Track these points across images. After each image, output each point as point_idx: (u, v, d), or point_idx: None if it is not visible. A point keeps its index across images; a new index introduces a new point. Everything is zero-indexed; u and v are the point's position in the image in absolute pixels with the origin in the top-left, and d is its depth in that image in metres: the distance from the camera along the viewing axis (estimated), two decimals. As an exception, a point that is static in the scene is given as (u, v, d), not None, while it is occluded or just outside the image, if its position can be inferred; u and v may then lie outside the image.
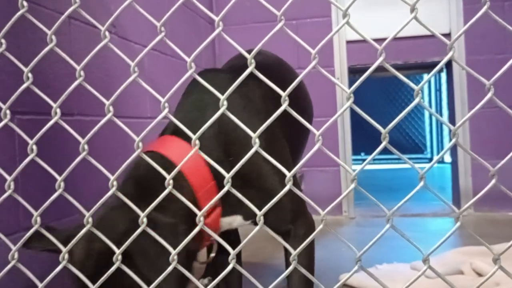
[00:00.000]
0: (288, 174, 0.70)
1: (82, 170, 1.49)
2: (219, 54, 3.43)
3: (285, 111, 0.70)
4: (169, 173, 0.75)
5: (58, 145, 1.53)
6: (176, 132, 1.12)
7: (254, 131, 0.69)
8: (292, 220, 1.21)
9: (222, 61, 3.42)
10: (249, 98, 1.24)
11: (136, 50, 2.15)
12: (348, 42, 3.30)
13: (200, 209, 0.76)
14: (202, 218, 0.73)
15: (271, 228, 0.79)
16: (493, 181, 0.64)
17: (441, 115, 6.77)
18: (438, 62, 3.35)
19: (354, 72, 3.44)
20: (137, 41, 2.16)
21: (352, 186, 0.67)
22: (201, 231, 0.75)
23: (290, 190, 1.02)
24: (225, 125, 1.13)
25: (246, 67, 0.69)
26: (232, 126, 1.13)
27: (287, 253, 1.23)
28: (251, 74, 0.70)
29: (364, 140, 5.76)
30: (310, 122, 1.66)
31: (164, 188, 0.74)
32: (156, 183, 0.91)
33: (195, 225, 0.73)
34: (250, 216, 1.20)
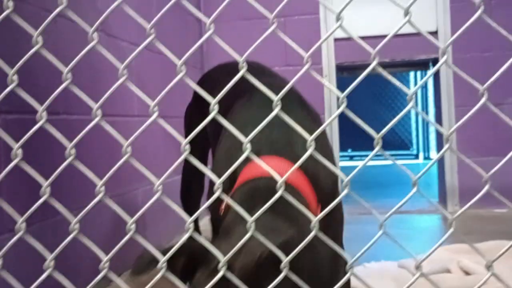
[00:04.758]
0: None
1: (70, 171, 1.46)
2: (207, 52, 3.40)
3: None
4: (298, 197, 0.83)
5: (44, 145, 1.50)
6: (274, 151, 1.09)
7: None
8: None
9: (209, 59, 3.39)
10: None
11: (122, 47, 2.12)
12: (336, 39, 3.30)
13: None
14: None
15: None
16: (487, 186, 0.64)
17: (427, 112, 6.80)
18: (425, 60, 3.36)
19: (341, 70, 3.44)
20: (123, 38, 2.13)
21: (345, 191, 0.66)
22: None
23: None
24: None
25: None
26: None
27: None
28: None
29: (351, 136, 5.78)
30: None
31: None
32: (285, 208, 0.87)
33: None
34: None
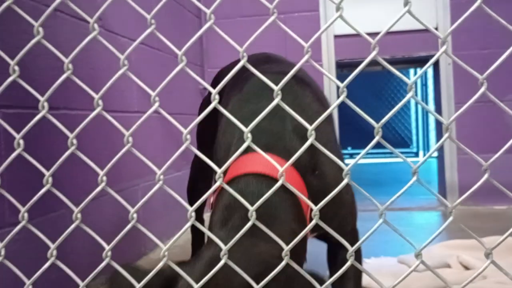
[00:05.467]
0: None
1: (68, 165, 1.46)
2: (206, 48, 3.40)
3: None
4: (286, 195, 0.83)
5: (44, 139, 1.51)
6: (263, 145, 0.96)
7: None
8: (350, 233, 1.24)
9: (209, 54, 3.40)
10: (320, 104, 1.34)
11: (122, 43, 2.12)
12: (336, 36, 3.30)
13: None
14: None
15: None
16: (486, 175, 0.64)
17: (426, 111, 6.79)
18: (424, 57, 3.36)
19: (341, 67, 3.43)
20: (123, 34, 2.13)
21: (345, 181, 0.67)
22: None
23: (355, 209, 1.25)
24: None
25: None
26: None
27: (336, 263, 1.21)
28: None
29: (351, 134, 5.79)
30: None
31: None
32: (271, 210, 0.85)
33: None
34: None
